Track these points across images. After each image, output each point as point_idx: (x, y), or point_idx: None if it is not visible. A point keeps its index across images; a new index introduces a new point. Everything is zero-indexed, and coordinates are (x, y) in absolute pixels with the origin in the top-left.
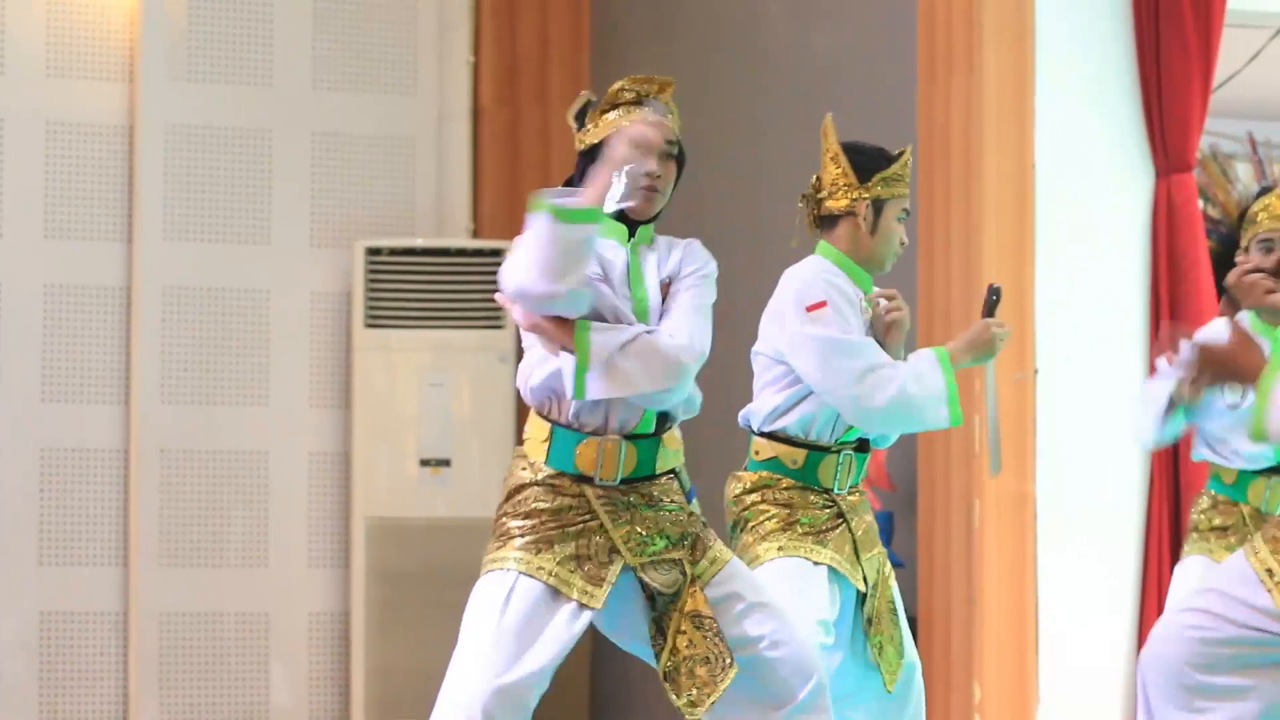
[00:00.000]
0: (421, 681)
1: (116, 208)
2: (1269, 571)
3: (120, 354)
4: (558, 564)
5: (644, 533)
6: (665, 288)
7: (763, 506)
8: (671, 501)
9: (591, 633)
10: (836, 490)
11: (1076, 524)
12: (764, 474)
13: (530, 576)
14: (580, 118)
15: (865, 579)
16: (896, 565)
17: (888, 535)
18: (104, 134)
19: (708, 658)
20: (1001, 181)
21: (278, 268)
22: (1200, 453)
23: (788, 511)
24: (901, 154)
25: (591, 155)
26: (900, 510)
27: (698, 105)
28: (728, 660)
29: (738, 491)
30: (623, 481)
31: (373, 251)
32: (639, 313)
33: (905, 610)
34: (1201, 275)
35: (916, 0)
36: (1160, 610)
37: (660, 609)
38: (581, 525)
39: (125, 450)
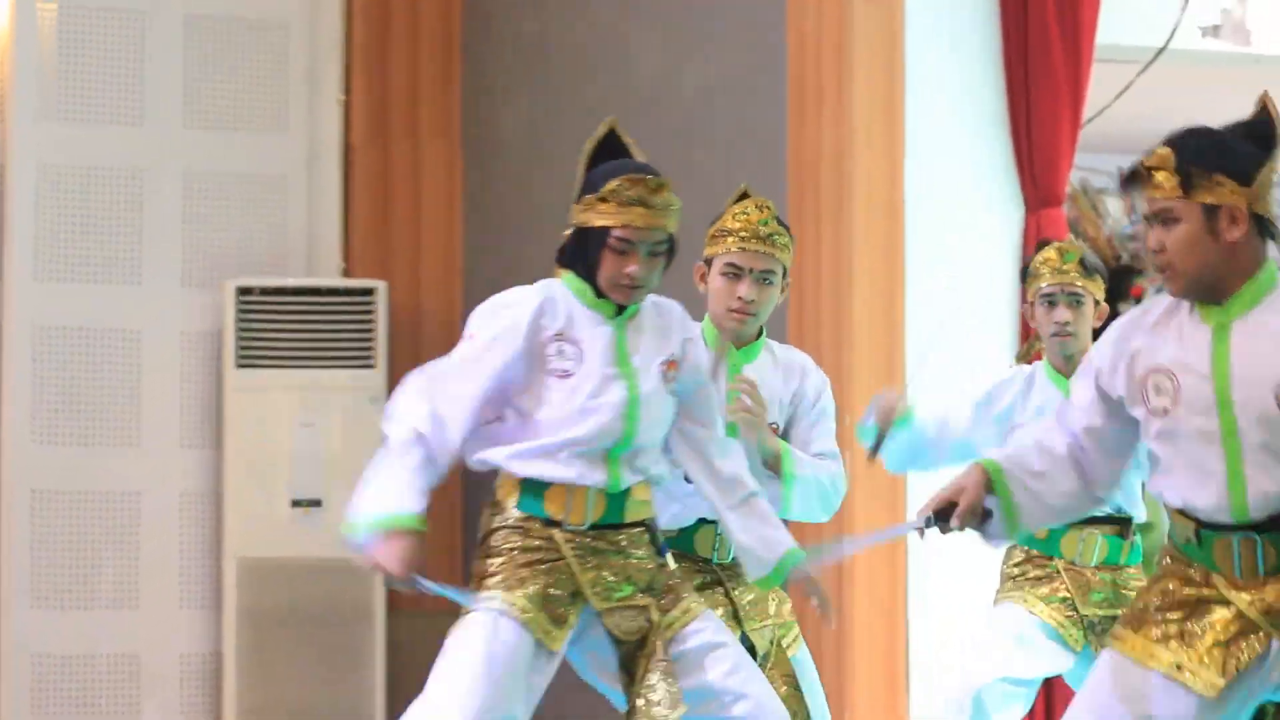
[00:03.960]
0: None
1: None
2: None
3: None
4: (528, 600)
5: (611, 578)
6: (672, 366)
7: None
8: (641, 551)
9: None
10: (715, 561)
11: (947, 553)
12: None
13: (506, 616)
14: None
15: (752, 647)
16: None
17: None
18: None
19: (661, 701)
20: (871, 214)
21: (149, 308)
22: None
23: None
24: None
25: (582, 235)
26: None
27: (569, 140)
28: (677, 700)
29: None
30: (591, 528)
31: (243, 291)
32: (630, 389)
33: None
34: None
35: (786, 33)
36: None
37: (624, 654)
38: (549, 565)
39: None
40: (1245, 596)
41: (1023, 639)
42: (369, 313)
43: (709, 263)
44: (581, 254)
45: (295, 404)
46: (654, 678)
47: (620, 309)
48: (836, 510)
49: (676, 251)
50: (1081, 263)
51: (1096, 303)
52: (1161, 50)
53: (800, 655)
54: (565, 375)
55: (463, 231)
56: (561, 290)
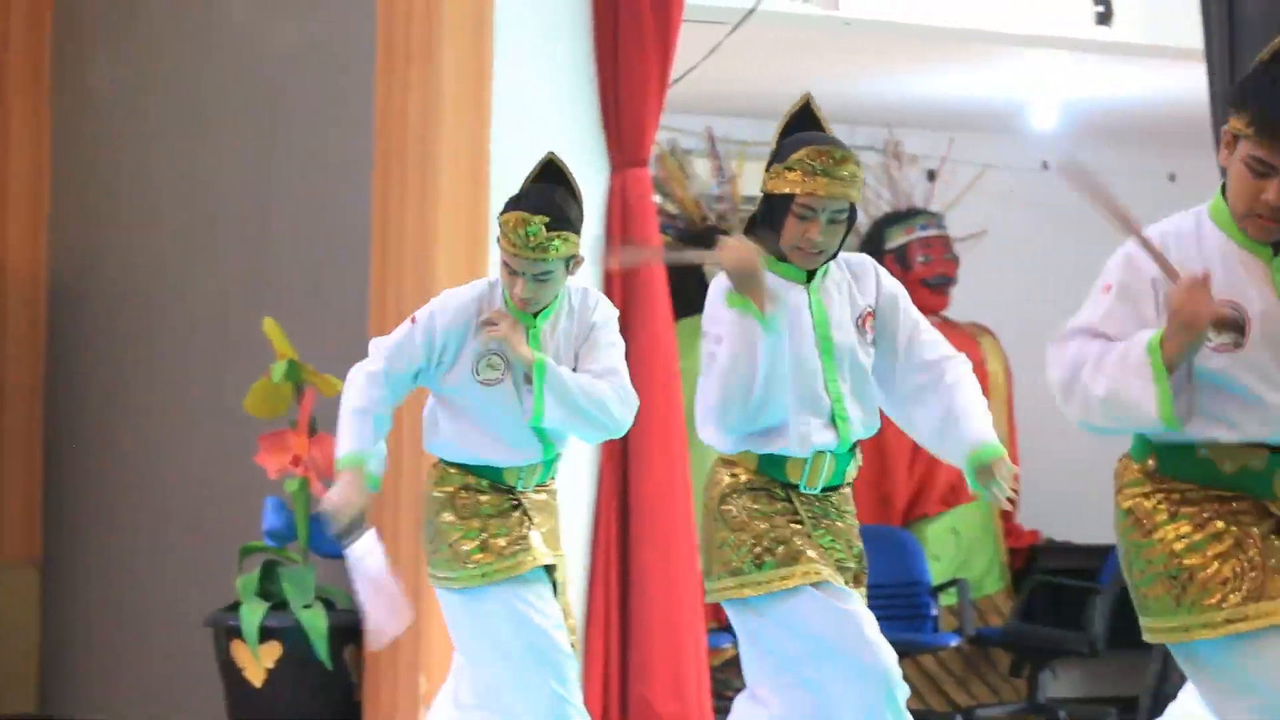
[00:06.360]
0: None
1: None
2: None
3: None
4: (819, 558)
5: (832, 540)
6: (868, 318)
7: None
8: (850, 514)
9: (41, 621)
10: (519, 487)
11: None
12: None
13: (813, 585)
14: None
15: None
16: (344, 557)
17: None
18: None
19: None
20: (457, 173)
21: None
22: None
23: None
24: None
25: (770, 201)
26: None
27: (160, 97)
28: None
29: None
30: (822, 490)
31: None
32: (826, 357)
33: (351, 602)
34: (655, 270)
35: None
36: (609, 604)
37: None
38: (801, 527)
39: None
40: None
41: None
42: None
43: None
44: (768, 219)
45: None
46: None
47: (810, 274)
48: (612, 432)
49: (856, 220)
50: None
51: None
52: (751, 11)
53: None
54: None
55: (50, 186)
56: None
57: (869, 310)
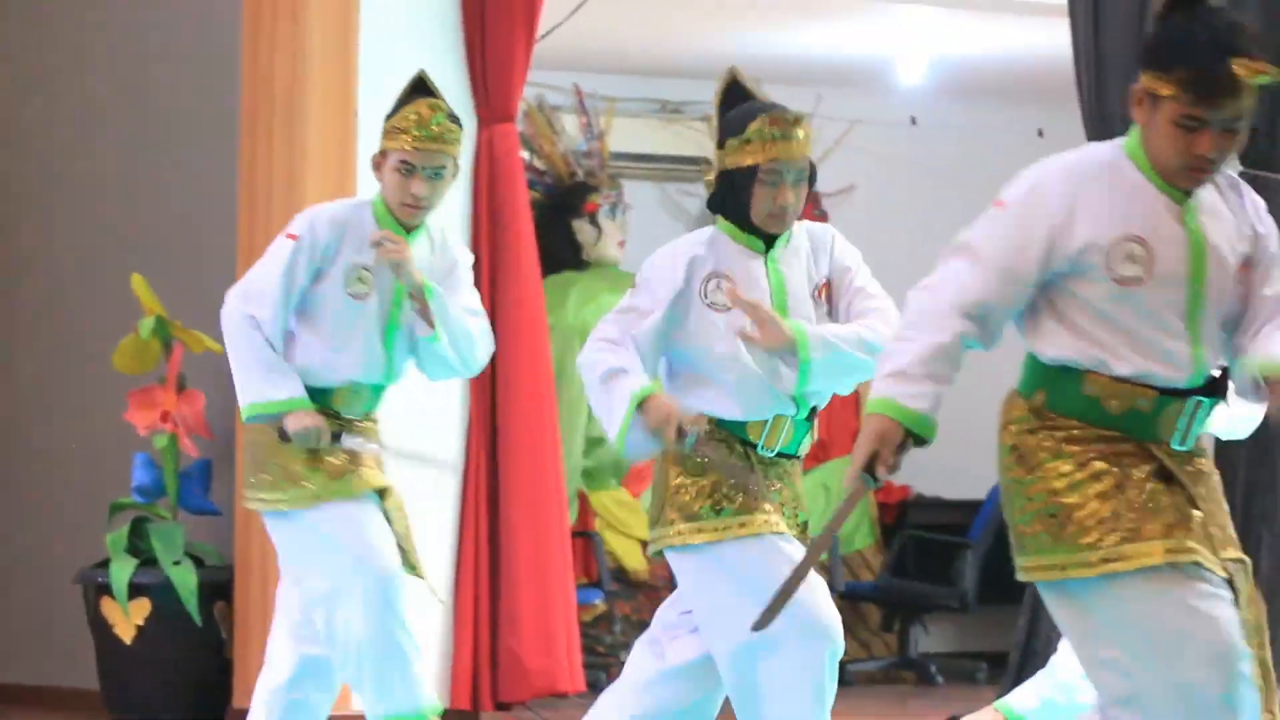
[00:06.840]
0: None
1: None
2: None
3: None
4: (773, 510)
5: (781, 503)
6: (823, 289)
7: None
8: (797, 486)
9: None
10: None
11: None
12: None
13: (772, 534)
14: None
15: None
16: (213, 513)
17: (205, 483)
18: None
19: None
20: (325, 129)
21: None
22: None
23: None
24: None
25: (731, 176)
26: (219, 458)
27: (23, 50)
28: None
29: None
30: (777, 454)
31: None
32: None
33: (220, 559)
34: (523, 226)
35: None
36: (479, 559)
37: None
38: (757, 480)
39: None
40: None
41: None
42: None
43: (384, 154)
44: (733, 194)
45: None
46: None
47: (770, 241)
48: (471, 370)
49: (816, 178)
50: None
51: None
52: None
53: None
54: (723, 310)
55: None
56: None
57: (824, 282)
